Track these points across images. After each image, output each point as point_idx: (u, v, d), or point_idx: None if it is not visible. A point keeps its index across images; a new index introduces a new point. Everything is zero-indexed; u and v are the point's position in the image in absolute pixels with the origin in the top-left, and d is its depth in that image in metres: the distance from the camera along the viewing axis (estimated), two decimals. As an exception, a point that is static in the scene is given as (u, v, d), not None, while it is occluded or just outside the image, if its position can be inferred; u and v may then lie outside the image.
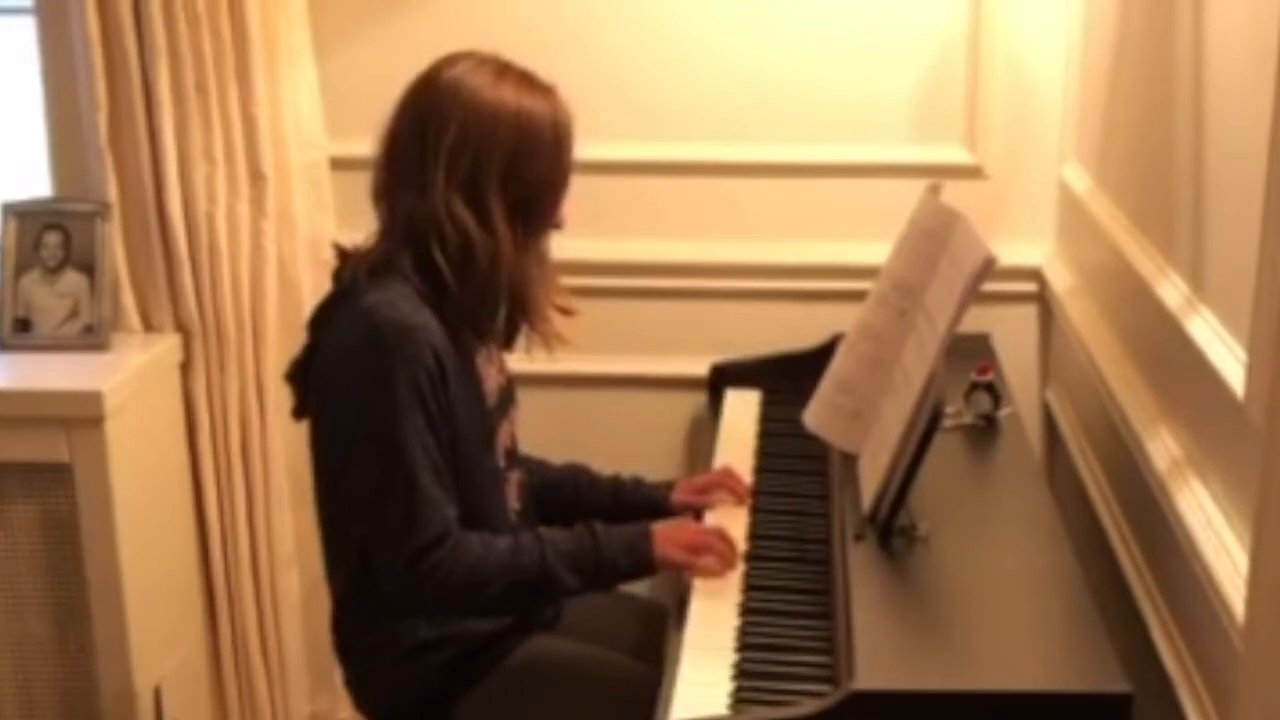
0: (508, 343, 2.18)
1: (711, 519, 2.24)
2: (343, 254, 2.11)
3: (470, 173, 2.00)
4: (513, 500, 2.19)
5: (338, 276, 2.11)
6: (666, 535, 2.07)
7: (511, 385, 2.25)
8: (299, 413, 2.13)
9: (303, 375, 2.10)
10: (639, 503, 2.34)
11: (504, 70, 2.05)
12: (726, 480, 2.33)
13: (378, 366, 1.96)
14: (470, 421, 2.06)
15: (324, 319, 2.08)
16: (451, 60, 2.06)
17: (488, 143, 2.00)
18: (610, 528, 2.08)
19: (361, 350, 1.98)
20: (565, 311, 2.17)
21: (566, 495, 2.34)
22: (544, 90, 2.06)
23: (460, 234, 1.99)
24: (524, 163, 2.02)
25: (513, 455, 2.22)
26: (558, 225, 2.12)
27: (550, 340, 2.15)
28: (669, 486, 2.35)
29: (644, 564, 2.05)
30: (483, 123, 2.00)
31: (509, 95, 2.02)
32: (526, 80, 2.05)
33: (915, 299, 2.22)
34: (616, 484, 2.36)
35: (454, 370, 2.01)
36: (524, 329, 2.15)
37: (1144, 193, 2.27)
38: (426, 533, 1.96)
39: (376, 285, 2.01)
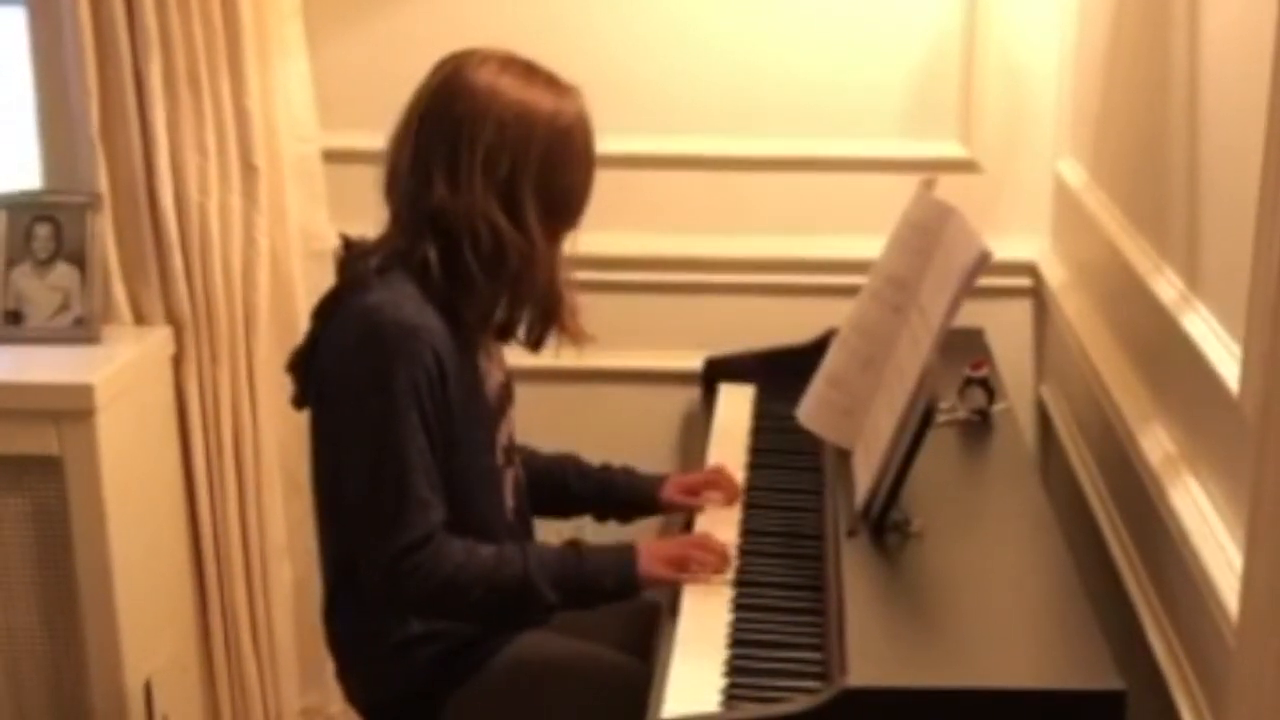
0: (537, 344, 2.16)
1: (702, 519, 2.23)
2: (348, 245, 2.10)
3: (508, 174, 2.00)
4: (509, 498, 2.19)
5: (342, 268, 2.10)
6: (651, 553, 2.05)
7: (511, 383, 2.25)
8: (298, 402, 2.13)
9: (303, 365, 2.09)
10: (628, 494, 2.34)
11: (531, 72, 2.05)
12: (717, 479, 2.31)
13: (378, 365, 1.96)
14: (470, 422, 2.06)
15: (328, 311, 2.07)
16: (479, 60, 2.04)
17: (524, 145, 2.00)
18: (596, 546, 2.07)
19: (363, 348, 1.98)
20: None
21: (555, 485, 2.33)
22: (569, 91, 2.06)
23: (494, 234, 1.99)
24: (558, 163, 2.03)
25: (510, 453, 2.21)
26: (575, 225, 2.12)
27: (580, 338, 2.15)
28: (660, 481, 2.34)
29: (629, 583, 2.03)
30: (519, 126, 2.00)
31: (540, 98, 2.02)
32: (553, 82, 2.06)
33: (909, 294, 2.22)
34: (605, 474, 2.35)
35: (455, 371, 2.01)
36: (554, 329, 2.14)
37: (1139, 187, 2.26)
38: (411, 533, 1.96)
39: (383, 282, 2.00)
